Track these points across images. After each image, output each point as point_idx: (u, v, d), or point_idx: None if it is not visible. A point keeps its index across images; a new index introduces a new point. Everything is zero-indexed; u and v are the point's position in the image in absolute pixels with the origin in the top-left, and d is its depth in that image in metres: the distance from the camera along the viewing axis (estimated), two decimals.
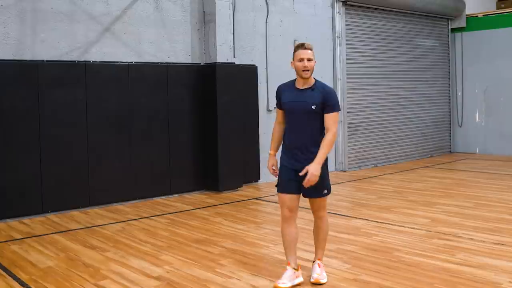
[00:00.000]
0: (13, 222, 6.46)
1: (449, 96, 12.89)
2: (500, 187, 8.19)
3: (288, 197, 4.04)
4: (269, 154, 4.23)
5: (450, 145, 12.90)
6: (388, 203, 7.18)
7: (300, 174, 3.89)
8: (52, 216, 6.75)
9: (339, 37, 10.24)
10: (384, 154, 11.14)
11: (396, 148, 11.44)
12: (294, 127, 4.02)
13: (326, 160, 4.02)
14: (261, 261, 4.74)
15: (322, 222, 4.20)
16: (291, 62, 4.04)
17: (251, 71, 8.86)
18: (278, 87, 4.19)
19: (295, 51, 4.01)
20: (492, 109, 12.27)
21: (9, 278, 4.45)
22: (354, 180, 9.28)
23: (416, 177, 9.37)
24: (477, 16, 12.56)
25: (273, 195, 7.90)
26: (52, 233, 5.93)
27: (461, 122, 12.82)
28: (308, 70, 3.95)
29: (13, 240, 5.68)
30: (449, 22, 12.77)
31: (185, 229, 6.04)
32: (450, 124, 12.90)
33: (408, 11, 11.48)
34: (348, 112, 10.38)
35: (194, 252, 5.09)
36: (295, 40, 9.60)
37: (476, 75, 12.47)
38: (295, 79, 4.09)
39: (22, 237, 5.80)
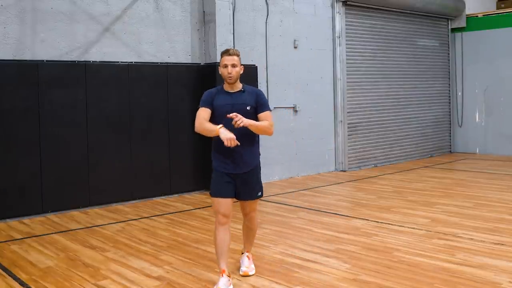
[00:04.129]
0: (13, 222, 6.46)
1: (449, 96, 12.89)
2: (500, 187, 8.19)
3: (225, 201, 4.06)
4: (220, 127, 3.90)
5: (450, 145, 12.91)
6: (388, 203, 7.18)
7: (228, 115, 3.87)
8: (52, 216, 6.76)
9: (339, 37, 10.24)
10: (384, 154, 11.15)
11: (396, 148, 11.44)
12: (230, 130, 3.90)
13: (259, 162, 4.23)
14: (261, 261, 4.74)
15: (253, 223, 4.37)
16: (219, 68, 4.15)
17: (251, 71, 8.85)
18: (207, 92, 4.18)
19: (221, 56, 4.14)
20: (492, 109, 12.27)
21: (9, 278, 4.45)
22: (354, 180, 9.28)
23: (416, 177, 9.37)
24: (477, 16, 12.56)
25: (273, 195, 7.91)
26: (52, 233, 5.93)
27: (461, 122, 12.82)
28: (232, 76, 4.07)
29: (13, 240, 5.68)
30: (449, 22, 12.77)
31: (185, 229, 6.04)
32: (450, 124, 12.90)
33: (408, 11, 11.49)
34: (348, 112, 10.38)
35: (194, 252, 5.09)
36: (295, 40, 9.61)
37: (476, 75, 12.47)
38: (220, 86, 4.21)
39: (22, 237, 5.80)
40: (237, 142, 3.84)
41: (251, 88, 4.19)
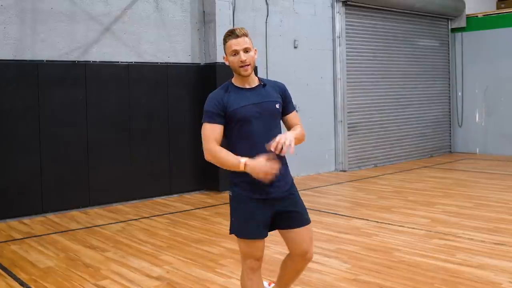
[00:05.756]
0: (13, 222, 6.46)
1: (449, 96, 12.89)
2: (500, 187, 8.19)
3: (258, 245, 2.93)
4: (244, 163, 2.77)
5: (450, 145, 12.90)
6: (388, 203, 7.18)
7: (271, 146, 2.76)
8: (52, 216, 6.75)
9: (339, 37, 10.24)
10: (384, 154, 11.14)
11: (396, 148, 11.44)
12: (259, 138, 2.88)
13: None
14: None
15: (306, 264, 3.14)
16: (224, 58, 2.97)
17: None
18: (212, 96, 2.94)
19: (225, 42, 2.91)
20: (492, 109, 12.27)
21: (9, 278, 4.45)
22: (354, 180, 9.28)
23: (416, 177, 9.37)
24: (477, 16, 12.56)
25: None
26: (52, 233, 5.93)
27: (461, 122, 12.82)
28: (247, 65, 2.87)
29: (13, 240, 5.68)
30: (449, 22, 12.77)
31: (185, 229, 6.04)
32: (450, 124, 12.90)
33: (408, 11, 11.48)
34: (348, 112, 10.37)
35: (194, 252, 5.09)
36: (295, 40, 9.60)
37: (476, 75, 12.47)
38: (227, 83, 3.01)
39: (22, 237, 5.80)
40: (278, 166, 2.77)
41: (270, 81, 3.09)
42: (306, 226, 3.02)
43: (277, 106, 2.99)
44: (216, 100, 2.90)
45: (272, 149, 2.73)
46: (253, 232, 2.90)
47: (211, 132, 2.86)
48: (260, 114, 2.90)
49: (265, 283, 3.49)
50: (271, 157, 2.73)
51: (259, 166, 2.72)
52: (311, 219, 3.11)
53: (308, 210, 3.13)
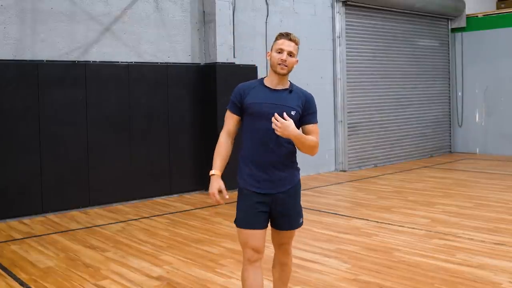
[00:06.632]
0: (13, 222, 6.46)
1: (449, 96, 12.89)
2: (500, 187, 8.19)
3: (255, 234, 3.07)
4: (212, 175, 3.11)
5: (450, 145, 12.91)
6: (388, 203, 7.18)
7: (275, 118, 2.90)
8: (52, 216, 6.75)
9: (339, 37, 10.24)
10: (384, 154, 11.14)
11: (396, 148, 11.44)
12: (265, 138, 3.02)
13: (300, 184, 3.23)
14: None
15: (289, 257, 3.36)
16: (268, 53, 3.18)
17: (251, 71, 8.85)
18: (238, 86, 3.18)
19: (277, 39, 3.13)
20: (492, 109, 12.27)
21: (9, 278, 4.45)
22: (354, 180, 9.28)
23: (416, 177, 9.37)
24: (477, 16, 12.56)
25: None
26: (52, 233, 5.93)
27: (461, 122, 12.82)
28: (286, 66, 3.06)
29: (13, 240, 5.68)
30: (449, 22, 12.78)
31: (185, 229, 6.04)
32: (450, 124, 12.90)
33: (408, 11, 11.49)
34: (348, 112, 10.38)
35: (194, 252, 5.09)
36: None
37: (476, 75, 12.47)
38: (261, 78, 3.23)
39: (22, 237, 5.80)
40: (221, 201, 3.11)
41: (300, 89, 3.19)
42: (290, 231, 3.21)
43: (293, 113, 3.04)
44: (239, 90, 3.15)
45: (273, 119, 2.89)
46: (248, 221, 3.07)
47: (226, 120, 3.17)
48: (267, 113, 2.98)
49: None
50: (224, 194, 3.09)
51: (211, 187, 3.10)
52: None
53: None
